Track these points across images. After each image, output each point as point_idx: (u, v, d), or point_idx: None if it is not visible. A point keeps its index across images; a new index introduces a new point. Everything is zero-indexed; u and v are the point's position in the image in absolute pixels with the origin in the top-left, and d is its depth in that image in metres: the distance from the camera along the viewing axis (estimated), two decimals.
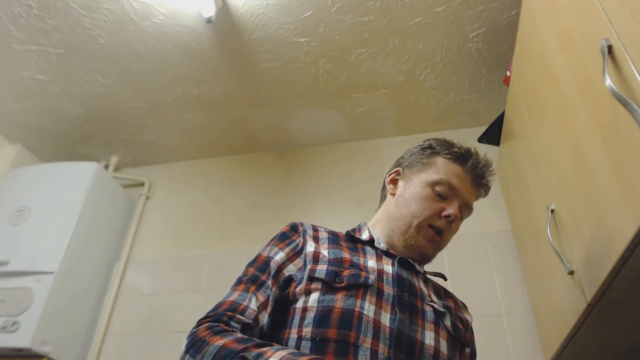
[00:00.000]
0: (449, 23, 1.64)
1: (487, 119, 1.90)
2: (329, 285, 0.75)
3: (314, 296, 0.74)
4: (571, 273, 1.02)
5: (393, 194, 0.96)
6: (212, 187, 2.23)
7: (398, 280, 0.80)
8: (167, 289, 1.94)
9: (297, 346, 0.70)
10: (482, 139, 1.86)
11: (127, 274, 2.03)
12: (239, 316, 0.72)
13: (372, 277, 0.78)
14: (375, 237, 0.92)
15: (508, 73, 1.62)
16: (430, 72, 1.85)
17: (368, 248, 0.89)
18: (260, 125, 2.15)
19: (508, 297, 1.62)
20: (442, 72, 1.84)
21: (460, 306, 0.93)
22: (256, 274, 0.80)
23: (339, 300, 0.73)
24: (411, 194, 0.91)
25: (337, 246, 0.86)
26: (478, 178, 0.94)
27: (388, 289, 0.78)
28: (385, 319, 0.73)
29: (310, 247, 0.83)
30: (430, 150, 0.96)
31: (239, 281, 0.80)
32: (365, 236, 0.92)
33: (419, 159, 0.96)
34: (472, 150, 0.96)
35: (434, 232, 0.88)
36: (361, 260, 0.83)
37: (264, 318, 0.75)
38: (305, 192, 2.10)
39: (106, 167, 2.27)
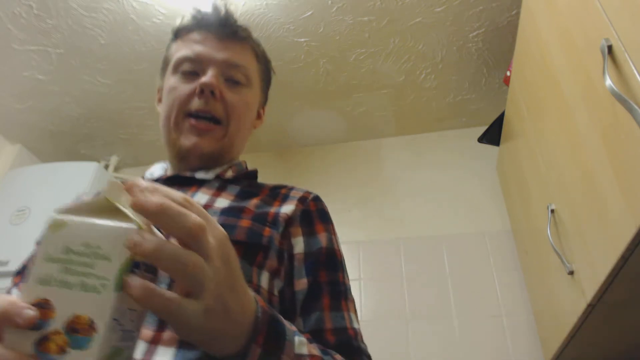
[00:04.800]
0: (449, 23, 1.64)
1: (487, 119, 1.90)
2: None
3: None
4: (571, 273, 1.02)
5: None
6: None
7: None
8: None
9: None
10: (482, 139, 1.86)
11: None
12: None
13: None
14: (151, 169, 0.77)
15: (508, 73, 1.62)
16: (430, 72, 1.85)
17: None
18: (261, 125, 2.15)
19: (508, 297, 1.62)
20: (442, 72, 1.84)
21: (285, 197, 0.70)
22: (26, 263, 0.67)
23: None
24: (163, 97, 0.74)
25: None
26: (220, 28, 0.74)
27: None
28: None
29: None
30: (169, 42, 0.79)
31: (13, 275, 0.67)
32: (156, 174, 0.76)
33: (164, 59, 0.79)
34: (197, 8, 0.77)
35: (194, 120, 0.69)
36: None
37: None
38: None
39: (106, 167, 2.27)
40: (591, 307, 0.94)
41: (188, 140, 0.68)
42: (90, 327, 0.30)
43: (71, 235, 0.33)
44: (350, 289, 0.65)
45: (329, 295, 0.61)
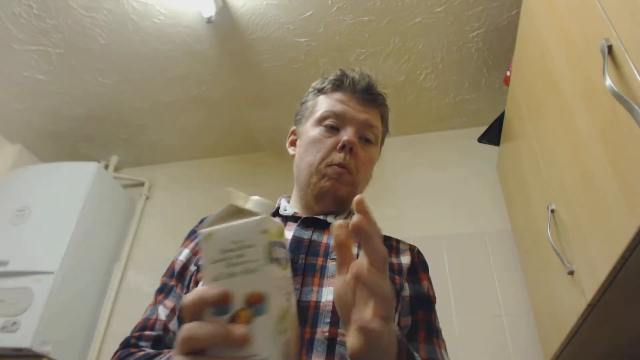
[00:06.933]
0: (449, 23, 1.64)
1: (487, 119, 1.90)
2: None
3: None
4: (571, 273, 1.02)
5: (294, 156, 0.90)
6: (212, 187, 2.23)
7: (294, 244, 0.74)
8: None
9: None
10: (482, 139, 1.86)
11: (127, 273, 2.03)
12: (147, 332, 0.71)
13: None
14: (283, 205, 0.87)
15: (508, 73, 1.62)
16: (430, 72, 1.85)
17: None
18: (260, 126, 2.15)
19: (508, 297, 1.62)
20: (442, 72, 1.84)
21: (397, 250, 0.84)
22: (165, 281, 0.79)
23: None
24: (304, 144, 0.85)
25: None
26: (363, 94, 0.86)
27: None
28: None
29: None
30: (311, 94, 0.91)
31: (154, 294, 0.79)
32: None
33: (305, 108, 0.91)
34: (346, 71, 0.89)
35: (336, 166, 0.80)
36: None
37: (175, 324, 0.73)
38: None
39: (106, 167, 2.27)
40: (591, 307, 0.94)
41: (329, 183, 0.80)
42: (262, 297, 0.39)
43: (221, 240, 0.42)
44: (441, 331, 0.76)
45: (424, 330, 0.73)
